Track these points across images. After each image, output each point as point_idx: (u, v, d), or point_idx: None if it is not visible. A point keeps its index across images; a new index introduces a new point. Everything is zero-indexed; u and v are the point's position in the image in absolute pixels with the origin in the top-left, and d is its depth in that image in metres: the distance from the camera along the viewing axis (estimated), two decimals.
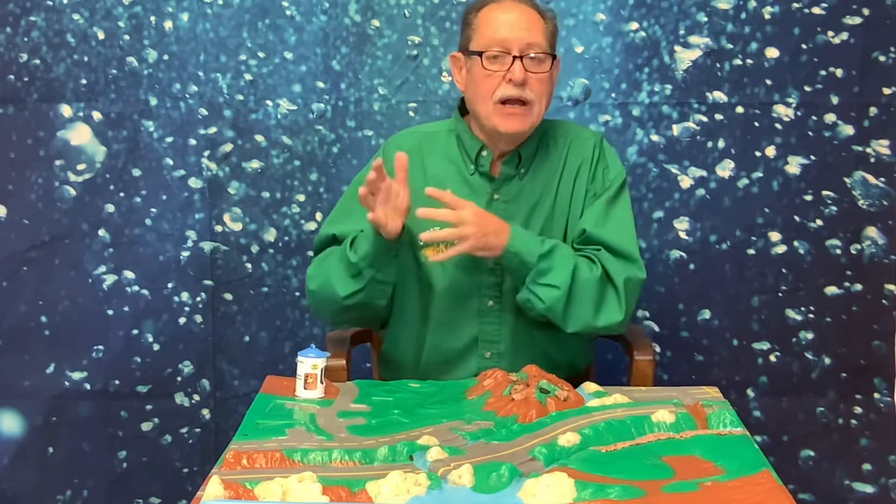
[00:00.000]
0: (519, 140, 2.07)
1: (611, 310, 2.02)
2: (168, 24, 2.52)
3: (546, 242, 2.01)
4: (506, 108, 2.00)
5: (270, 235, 2.60)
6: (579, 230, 2.08)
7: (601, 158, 2.13)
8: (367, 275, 2.01)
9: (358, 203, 2.02)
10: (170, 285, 2.61)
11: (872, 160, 2.54)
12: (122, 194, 2.58)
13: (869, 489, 2.65)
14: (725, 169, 2.57)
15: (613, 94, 2.55)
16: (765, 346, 2.62)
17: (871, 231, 2.57)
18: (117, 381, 2.63)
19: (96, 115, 2.55)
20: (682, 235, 2.58)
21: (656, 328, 2.62)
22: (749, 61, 2.53)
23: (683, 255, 2.59)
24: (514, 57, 1.99)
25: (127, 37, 2.53)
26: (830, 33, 2.51)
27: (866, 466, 2.64)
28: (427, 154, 2.13)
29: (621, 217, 2.10)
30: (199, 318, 2.62)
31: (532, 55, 2.00)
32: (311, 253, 2.57)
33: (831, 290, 2.59)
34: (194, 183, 2.58)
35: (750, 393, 2.63)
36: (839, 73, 2.52)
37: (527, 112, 2.02)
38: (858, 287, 2.58)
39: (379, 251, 1.98)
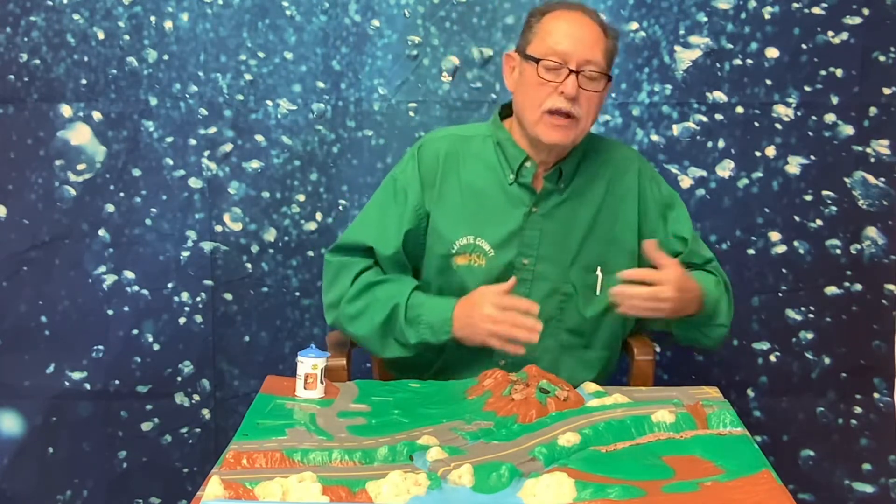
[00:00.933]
0: (560, 152, 2.06)
1: (732, 311, 2.15)
2: (168, 24, 2.52)
3: (713, 280, 2.08)
4: (553, 119, 1.99)
5: (270, 235, 2.60)
6: (693, 255, 2.13)
7: (652, 178, 2.16)
8: (414, 351, 2.04)
9: (392, 209, 2.07)
10: (170, 285, 2.61)
11: (872, 160, 2.54)
12: (122, 194, 2.58)
13: (869, 489, 2.65)
14: (725, 169, 2.57)
15: (613, 94, 2.54)
16: (765, 346, 2.62)
17: (871, 231, 2.57)
18: (117, 381, 2.63)
19: (96, 115, 2.55)
20: None
21: None
22: (749, 61, 2.52)
23: None
24: (571, 71, 1.97)
25: (127, 37, 2.53)
26: (830, 33, 2.50)
27: (866, 466, 2.64)
28: (463, 159, 2.11)
29: (692, 229, 2.19)
30: (199, 318, 2.62)
31: (588, 73, 1.98)
32: (311, 253, 2.59)
33: (831, 290, 2.59)
34: (194, 183, 2.58)
35: (750, 393, 2.63)
36: (839, 73, 2.52)
37: (572, 126, 2.00)
38: (858, 287, 2.58)
39: (442, 344, 2.01)
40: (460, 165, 2.10)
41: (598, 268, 2.09)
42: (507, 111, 2.14)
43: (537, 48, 2.01)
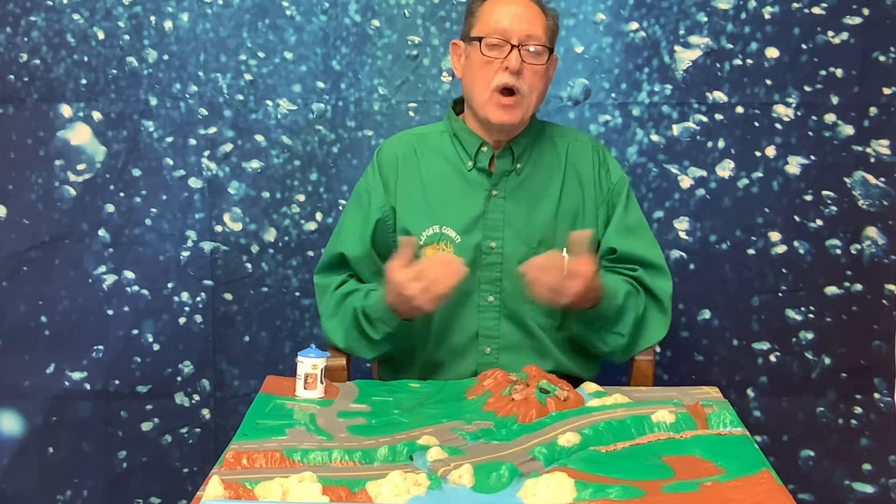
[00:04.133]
0: (510, 131, 2.11)
1: (657, 328, 2.12)
2: (168, 24, 2.52)
3: (624, 290, 2.06)
4: (501, 99, 2.04)
5: (270, 235, 2.60)
6: (606, 248, 2.13)
7: (602, 163, 2.18)
8: (391, 342, 2.08)
9: (357, 213, 2.12)
10: (170, 285, 2.61)
11: (872, 160, 2.54)
12: (122, 194, 2.58)
13: (869, 489, 2.65)
14: (725, 169, 2.57)
15: (613, 94, 2.55)
16: (765, 346, 2.62)
17: (871, 231, 2.57)
18: (117, 381, 2.63)
19: (96, 115, 2.55)
20: (682, 235, 2.58)
21: None
22: (749, 61, 2.52)
23: (683, 255, 2.59)
24: (513, 46, 2.03)
25: (127, 37, 2.53)
26: (830, 33, 2.50)
27: (866, 466, 2.64)
28: (421, 155, 2.17)
29: (639, 225, 2.18)
30: (199, 318, 2.62)
31: (531, 48, 2.04)
32: (311, 253, 2.59)
33: (831, 290, 2.59)
34: (194, 183, 2.58)
35: (750, 393, 2.63)
36: (839, 73, 2.52)
37: (519, 104, 2.05)
38: (858, 287, 2.58)
39: (402, 328, 2.03)
40: (419, 161, 2.16)
41: (564, 249, 2.10)
42: (459, 107, 2.19)
43: (480, 29, 2.07)
